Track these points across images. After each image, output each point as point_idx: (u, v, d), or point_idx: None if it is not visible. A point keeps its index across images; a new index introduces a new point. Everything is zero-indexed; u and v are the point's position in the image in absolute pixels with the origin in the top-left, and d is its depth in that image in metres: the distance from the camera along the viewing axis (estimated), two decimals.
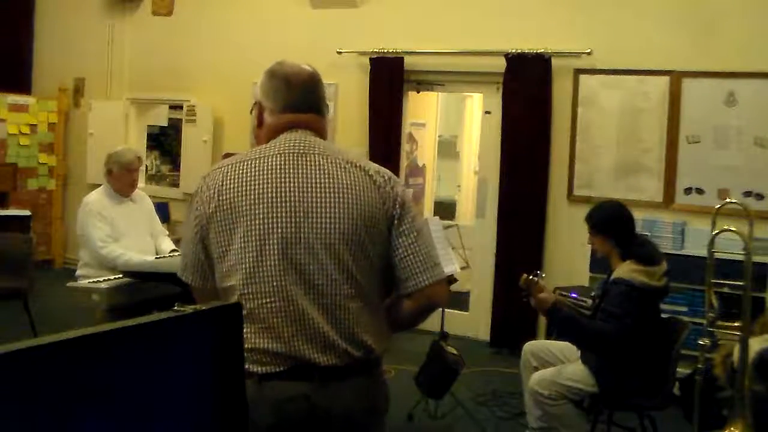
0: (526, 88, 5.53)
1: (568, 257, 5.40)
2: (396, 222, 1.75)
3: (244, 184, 1.69)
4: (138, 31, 7.55)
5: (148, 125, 8.12)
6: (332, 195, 1.69)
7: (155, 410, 1.15)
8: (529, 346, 3.73)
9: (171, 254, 3.89)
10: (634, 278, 3.18)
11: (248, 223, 1.67)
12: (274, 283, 1.66)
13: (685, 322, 3.42)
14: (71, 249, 7.48)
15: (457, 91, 7.03)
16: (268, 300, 1.66)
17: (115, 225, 3.85)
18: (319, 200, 1.69)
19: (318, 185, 1.70)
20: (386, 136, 6.00)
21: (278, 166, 1.71)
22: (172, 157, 8.54)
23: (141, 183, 7.41)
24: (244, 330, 1.60)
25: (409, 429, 3.98)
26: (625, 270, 3.23)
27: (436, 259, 1.79)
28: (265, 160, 1.72)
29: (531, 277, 3.37)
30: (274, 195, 1.68)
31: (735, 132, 5.01)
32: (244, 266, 1.67)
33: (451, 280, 3.79)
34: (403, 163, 6.46)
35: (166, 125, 8.59)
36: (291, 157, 1.73)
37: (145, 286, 3.38)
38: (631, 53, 5.28)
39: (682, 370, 3.73)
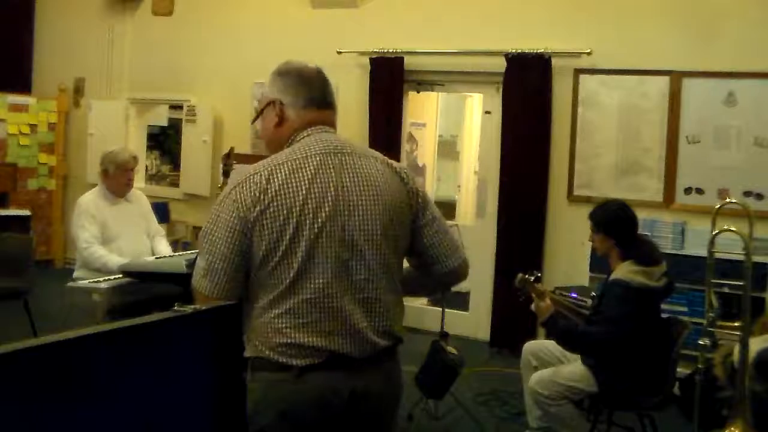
0: (526, 88, 5.53)
1: (568, 257, 5.40)
2: (421, 214, 1.89)
3: (291, 184, 1.73)
4: (138, 31, 7.54)
5: (148, 125, 8.13)
6: (370, 192, 1.79)
7: (155, 410, 1.15)
8: (529, 346, 3.73)
9: (170, 256, 3.86)
10: (633, 279, 3.18)
11: (297, 221, 1.71)
12: (322, 280, 1.71)
13: (685, 322, 3.41)
14: (71, 249, 7.46)
15: (457, 91, 7.02)
16: (314, 296, 1.71)
17: (108, 226, 3.82)
18: (360, 197, 1.77)
19: (357, 183, 1.78)
20: (386, 136, 5.99)
21: (321, 166, 1.76)
22: (172, 157, 8.53)
23: (141, 183, 7.44)
24: (283, 325, 1.70)
25: (409, 429, 3.97)
26: (623, 271, 3.23)
27: (458, 242, 1.96)
28: (308, 161, 1.77)
29: (526, 276, 3.37)
30: (320, 194, 1.73)
31: (735, 132, 5.00)
32: (294, 263, 1.70)
33: None
34: (404, 163, 6.44)
35: (166, 125, 8.59)
36: (331, 158, 1.79)
37: (145, 286, 3.37)
38: (631, 53, 5.28)
39: (682, 370, 3.73)
